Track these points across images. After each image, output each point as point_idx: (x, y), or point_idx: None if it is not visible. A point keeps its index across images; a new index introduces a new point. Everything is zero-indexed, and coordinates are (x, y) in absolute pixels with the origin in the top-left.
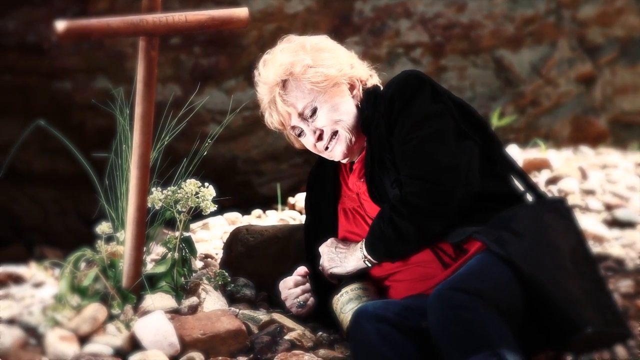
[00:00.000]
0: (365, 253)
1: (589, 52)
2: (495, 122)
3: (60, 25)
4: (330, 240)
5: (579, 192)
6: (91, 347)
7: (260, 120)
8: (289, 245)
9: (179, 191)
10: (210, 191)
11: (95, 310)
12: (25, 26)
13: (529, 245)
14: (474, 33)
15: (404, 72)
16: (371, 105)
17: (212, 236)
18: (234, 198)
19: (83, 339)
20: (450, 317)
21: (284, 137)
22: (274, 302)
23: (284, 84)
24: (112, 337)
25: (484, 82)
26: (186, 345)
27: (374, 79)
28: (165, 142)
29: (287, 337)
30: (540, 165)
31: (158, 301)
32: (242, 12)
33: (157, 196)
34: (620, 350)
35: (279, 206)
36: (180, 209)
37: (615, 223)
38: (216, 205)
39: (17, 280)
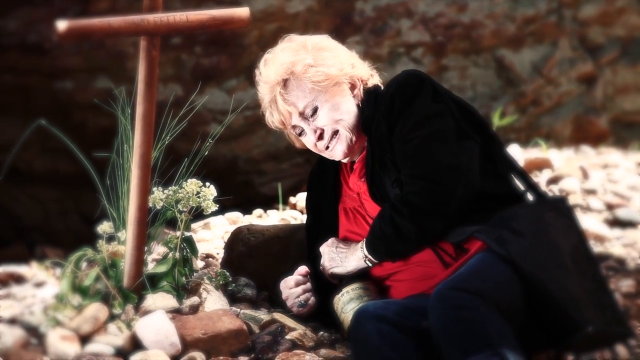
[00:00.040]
0: (366, 253)
1: (590, 52)
2: (496, 121)
3: (62, 25)
4: (331, 240)
5: (580, 192)
6: (92, 347)
7: (261, 120)
8: (290, 245)
9: (180, 191)
10: (211, 191)
11: (96, 310)
12: (26, 26)
13: (530, 245)
14: (475, 33)
15: (405, 71)
16: (372, 104)
17: (213, 236)
18: (235, 198)
19: (84, 339)
20: (450, 317)
21: (285, 137)
22: (275, 301)
23: (284, 83)
24: (113, 337)
25: (485, 81)
26: (187, 345)
27: (374, 79)
28: (167, 142)
29: (288, 336)
30: (542, 165)
31: (159, 301)
32: (243, 11)
33: (158, 196)
34: (621, 349)
35: (280, 206)
36: (181, 209)
37: (616, 223)
38: (217, 205)
39: (18, 280)
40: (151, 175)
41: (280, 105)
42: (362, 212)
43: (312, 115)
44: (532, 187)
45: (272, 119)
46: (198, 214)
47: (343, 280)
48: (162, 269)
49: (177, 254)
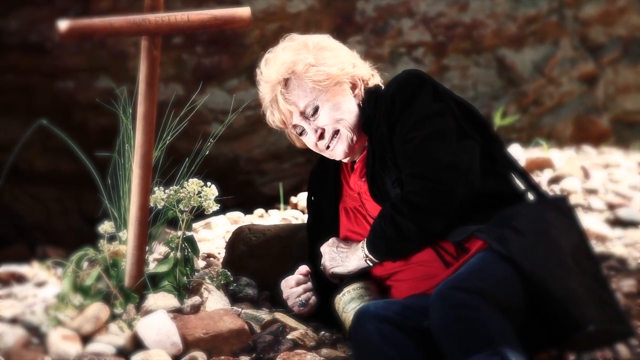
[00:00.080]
0: (367, 252)
1: (592, 52)
2: (497, 121)
3: (63, 24)
4: (331, 240)
5: (581, 192)
6: (94, 347)
7: (262, 120)
8: (291, 244)
9: (181, 190)
10: (212, 190)
11: (97, 309)
12: (27, 26)
13: (531, 243)
14: (477, 32)
15: (405, 71)
16: (372, 104)
17: (214, 235)
18: (236, 197)
19: (85, 339)
20: (451, 316)
21: (286, 137)
22: (277, 301)
23: (285, 82)
24: (115, 337)
25: (487, 81)
26: (189, 344)
27: (375, 79)
28: (168, 142)
29: (289, 336)
30: (543, 164)
31: (160, 300)
32: (244, 11)
33: (160, 195)
34: (622, 349)
35: (281, 205)
36: (182, 209)
37: (617, 222)
38: (218, 205)
39: (20, 279)
40: (152, 175)
41: (281, 104)
42: (363, 212)
43: (313, 115)
44: (533, 186)
45: (273, 119)
46: (199, 214)
47: (344, 280)
48: (164, 268)
49: (179, 254)
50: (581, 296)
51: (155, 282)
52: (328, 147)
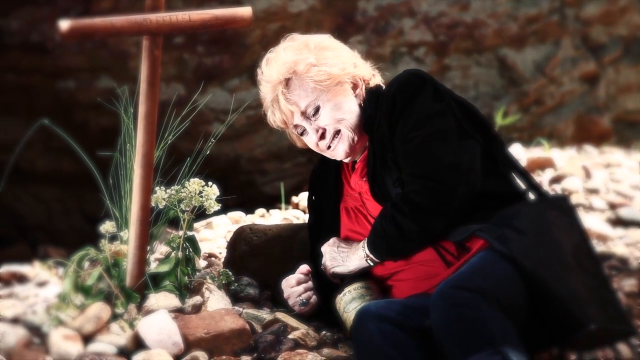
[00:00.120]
0: (368, 252)
1: (593, 51)
2: (499, 121)
3: (64, 24)
4: (332, 240)
5: (582, 191)
6: (95, 346)
7: (263, 120)
8: (292, 244)
9: (182, 190)
10: (213, 190)
11: (99, 309)
12: (28, 25)
13: (532, 243)
14: (478, 32)
15: (406, 71)
16: (373, 104)
17: (215, 235)
18: (237, 197)
19: (87, 338)
20: (452, 316)
21: (287, 136)
22: (278, 301)
23: (287, 82)
24: (116, 336)
25: (488, 81)
26: (190, 344)
27: (376, 79)
28: (169, 141)
29: (290, 336)
30: (544, 164)
31: (162, 300)
32: (245, 11)
33: (161, 195)
34: (623, 348)
35: (283, 205)
36: (183, 208)
37: (619, 222)
38: (220, 205)
39: (21, 279)
40: (154, 175)
41: (282, 104)
42: (364, 212)
43: (314, 115)
44: (534, 186)
45: (274, 118)
46: (200, 214)
47: (345, 279)
48: (165, 268)
49: (180, 254)
50: (582, 295)
51: (156, 281)
52: (329, 147)
